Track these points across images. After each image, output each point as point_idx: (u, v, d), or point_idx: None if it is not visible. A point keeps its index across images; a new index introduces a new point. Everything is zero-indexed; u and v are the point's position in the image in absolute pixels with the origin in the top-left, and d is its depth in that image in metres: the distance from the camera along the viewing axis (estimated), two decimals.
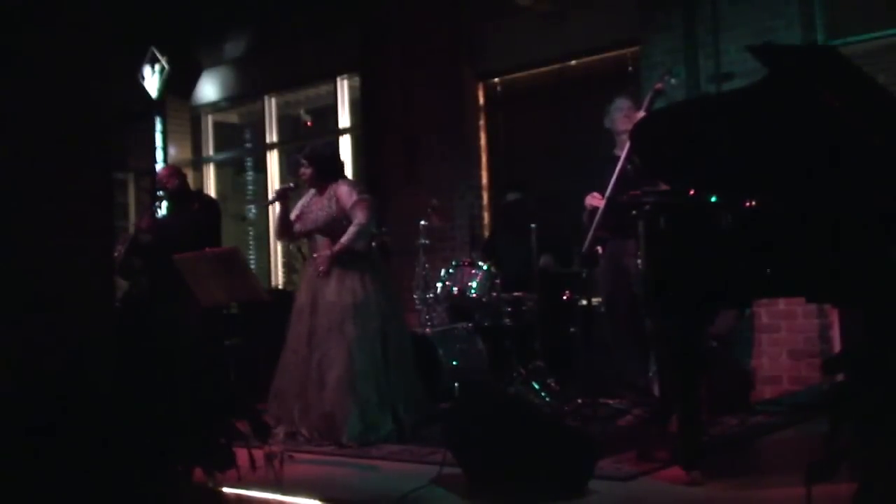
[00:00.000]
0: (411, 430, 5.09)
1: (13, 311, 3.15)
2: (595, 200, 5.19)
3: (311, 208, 5.36)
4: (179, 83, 10.06)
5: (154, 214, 6.59)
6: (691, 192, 3.87)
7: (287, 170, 9.92)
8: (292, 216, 5.43)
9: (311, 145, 5.70)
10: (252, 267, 8.35)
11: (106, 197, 3.73)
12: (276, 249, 9.77)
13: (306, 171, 5.37)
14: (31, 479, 2.70)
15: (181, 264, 5.20)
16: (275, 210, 5.67)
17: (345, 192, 5.26)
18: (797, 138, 3.61)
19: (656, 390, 4.90)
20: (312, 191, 5.43)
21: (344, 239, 5.14)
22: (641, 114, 5.05)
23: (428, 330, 6.15)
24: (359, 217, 5.17)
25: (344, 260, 5.19)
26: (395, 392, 5.15)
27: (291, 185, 5.57)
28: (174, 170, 6.74)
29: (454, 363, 5.92)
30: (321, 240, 5.31)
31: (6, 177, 3.25)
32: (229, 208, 9.74)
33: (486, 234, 7.71)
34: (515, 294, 6.13)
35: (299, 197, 5.57)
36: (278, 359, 5.34)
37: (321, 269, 5.17)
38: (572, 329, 5.84)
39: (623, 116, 5.30)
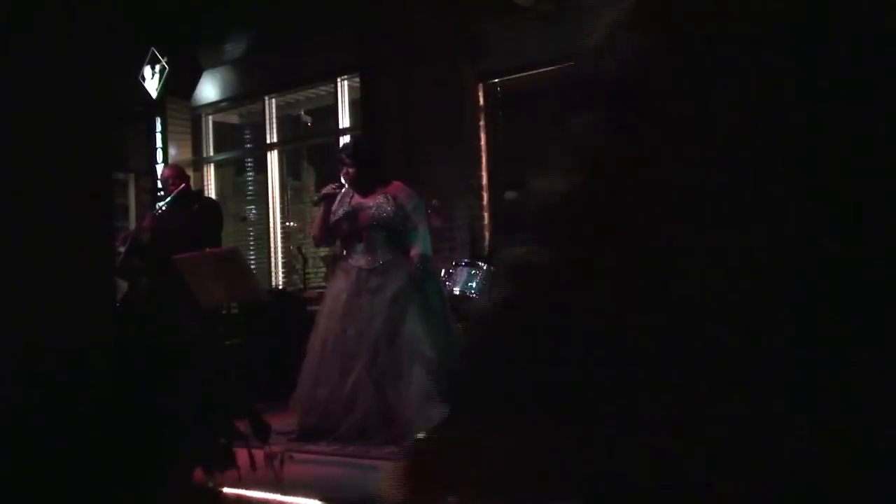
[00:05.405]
0: None
1: (13, 311, 3.15)
2: None
3: (363, 206, 5.27)
4: (179, 83, 10.06)
5: (155, 214, 6.59)
6: None
7: (287, 169, 9.95)
8: (333, 218, 5.33)
9: (352, 143, 5.69)
10: (252, 267, 8.35)
11: (106, 197, 3.74)
12: (276, 249, 9.77)
13: (350, 171, 5.30)
14: (31, 479, 2.70)
15: (181, 264, 5.20)
16: (318, 210, 5.56)
17: (407, 194, 5.31)
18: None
19: None
20: (344, 190, 5.35)
21: (425, 251, 5.22)
22: None
23: None
24: (423, 222, 5.27)
25: (399, 261, 5.20)
26: None
27: (335, 185, 5.44)
28: (178, 171, 6.73)
29: None
30: (379, 235, 5.22)
31: (6, 177, 3.25)
32: (229, 208, 9.74)
33: (486, 234, 7.71)
34: None
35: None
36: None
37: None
38: None
39: None
